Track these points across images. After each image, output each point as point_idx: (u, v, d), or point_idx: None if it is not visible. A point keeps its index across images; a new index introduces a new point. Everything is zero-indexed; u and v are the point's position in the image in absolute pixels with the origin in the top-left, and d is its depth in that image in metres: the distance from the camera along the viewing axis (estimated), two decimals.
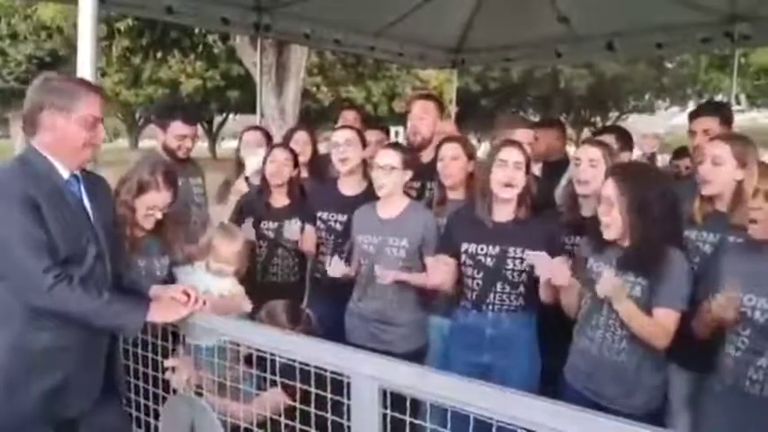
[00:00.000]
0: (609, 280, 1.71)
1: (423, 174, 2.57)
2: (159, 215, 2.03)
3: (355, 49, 4.99)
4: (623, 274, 1.77)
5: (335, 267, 2.25)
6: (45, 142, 1.56)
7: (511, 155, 2.07)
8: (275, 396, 1.69)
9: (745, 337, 1.62)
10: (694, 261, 1.87)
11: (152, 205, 2.01)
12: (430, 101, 2.82)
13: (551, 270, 1.86)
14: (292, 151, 2.72)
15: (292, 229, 2.53)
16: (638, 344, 1.73)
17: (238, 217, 2.70)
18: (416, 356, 2.16)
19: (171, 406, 1.71)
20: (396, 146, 2.43)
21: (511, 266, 2.04)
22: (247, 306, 2.17)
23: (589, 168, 2.12)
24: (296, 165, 2.68)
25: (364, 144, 2.58)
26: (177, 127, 2.71)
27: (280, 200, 2.68)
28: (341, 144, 2.52)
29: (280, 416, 1.63)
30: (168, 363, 1.73)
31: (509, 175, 2.05)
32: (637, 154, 3.22)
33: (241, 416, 1.65)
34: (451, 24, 4.73)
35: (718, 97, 16.61)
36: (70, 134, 1.56)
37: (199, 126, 3.81)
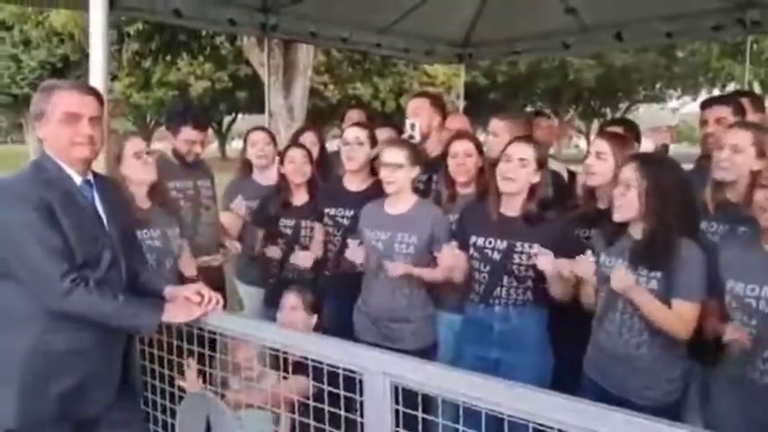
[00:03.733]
0: (621, 273, 1.70)
1: (430, 167, 2.59)
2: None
3: (362, 46, 4.98)
4: (636, 268, 1.76)
5: (355, 252, 2.26)
6: (49, 149, 1.61)
7: (516, 150, 2.07)
8: (295, 383, 1.69)
9: (751, 327, 1.60)
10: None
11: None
12: (421, 98, 2.97)
13: (569, 264, 1.85)
14: (307, 149, 2.79)
15: (300, 256, 2.57)
16: (656, 336, 1.72)
17: (257, 216, 2.82)
18: (427, 353, 2.16)
19: (187, 404, 1.74)
20: (402, 143, 2.44)
21: (517, 261, 2.04)
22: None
23: (596, 161, 2.11)
24: (311, 162, 2.76)
25: (374, 142, 2.60)
26: (187, 132, 2.75)
27: (300, 198, 2.75)
28: (350, 142, 2.55)
29: (294, 412, 1.65)
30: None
31: (510, 169, 2.06)
32: (649, 147, 3.16)
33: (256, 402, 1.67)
34: (457, 19, 4.71)
35: (731, 85, 16.30)
36: (53, 136, 1.59)
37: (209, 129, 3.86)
